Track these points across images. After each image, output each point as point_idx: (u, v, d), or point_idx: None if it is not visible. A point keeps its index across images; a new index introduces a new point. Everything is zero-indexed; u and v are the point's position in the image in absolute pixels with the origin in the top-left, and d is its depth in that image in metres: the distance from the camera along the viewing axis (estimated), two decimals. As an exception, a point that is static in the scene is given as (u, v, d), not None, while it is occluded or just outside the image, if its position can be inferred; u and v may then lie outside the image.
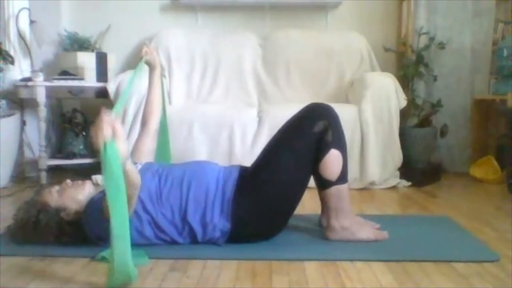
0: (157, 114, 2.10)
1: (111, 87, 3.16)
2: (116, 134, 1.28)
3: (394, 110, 3.09)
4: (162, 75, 2.19)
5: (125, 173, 1.33)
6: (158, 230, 1.71)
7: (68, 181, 1.87)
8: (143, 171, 1.75)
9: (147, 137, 2.05)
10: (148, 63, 2.09)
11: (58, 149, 3.62)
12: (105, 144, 1.25)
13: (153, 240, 1.72)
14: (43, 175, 3.20)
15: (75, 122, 3.49)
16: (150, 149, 2.04)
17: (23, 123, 3.36)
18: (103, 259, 1.60)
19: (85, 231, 1.71)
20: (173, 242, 1.74)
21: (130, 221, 1.38)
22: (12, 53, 3.30)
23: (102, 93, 3.32)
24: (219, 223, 1.72)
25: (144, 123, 2.11)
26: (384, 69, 3.60)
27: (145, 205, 1.69)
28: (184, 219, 1.72)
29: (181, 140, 2.97)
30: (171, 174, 1.78)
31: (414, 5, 3.62)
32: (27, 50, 3.42)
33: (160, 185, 1.74)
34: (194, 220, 1.72)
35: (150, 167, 1.82)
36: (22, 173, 3.37)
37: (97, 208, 1.61)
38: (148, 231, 1.71)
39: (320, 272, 1.52)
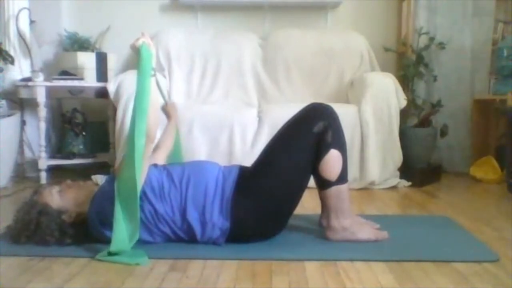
0: (164, 153, 2.17)
1: (111, 87, 3.16)
2: (149, 42, 1.76)
3: (394, 110, 3.08)
4: (177, 127, 2.35)
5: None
6: (159, 221, 1.72)
7: (69, 181, 1.87)
8: (150, 169, 1.76)
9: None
10: (166, 113, 2.29)
11: (58, 149, 3.62)
12: (142, 44, 1.72)
13: (153, 229, 1.72)
14: (43, 175, 3.20)
15: (75, 122, 3.49)
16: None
17: (23, 123, 3.36)
18: (105, 256, 1.61)
19: (90, 226, 1.72)
20: (174, 235, 1.75)
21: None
22: (12, 53, 3.29)
23: (102, 93, 3.32)
24: (218, 222, 1.73)
25: (151, 137, 1.89)
26: (384, 69, 3.60)
27: (148, 197, 1.70)
28: (183, 217, 1.72)
29: (181, 140, 2.97)
30: (171, 172, 1.78)
31: (414, 5, 3.61)
32: (27, 50, 3.42)
33: (163, 181, 1.74)
34: (193, 219, 1.72)
35: (155, 166, 1.83)
36: (22, 173, 3.37)
37: (106, 192, 1.66)
38: (150, 219, 1.71)
39: (320, 272, 1.52)
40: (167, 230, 1.74)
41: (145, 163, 1.68)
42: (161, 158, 2.11)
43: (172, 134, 2.26)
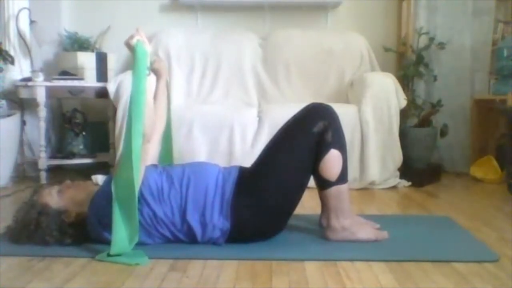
0: (160, 126, 2.06)
1: (111, 87, 3.16)
2: (144, 39, 1.72)
3: (394, 110, 3.08)
4: (168, 86, 2.17)
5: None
6: (158, 224, 1.72)
7: (68, 181, 1.87)
8: (149, 171, 1.75)
9: (151, 148, 1.94)
10: (155, 71, 2.05)
11: (58, 149, 3.63)
12: (136, 42, 1.69)
13: (152, 231, 1.72)
14: (43, 175, 3.20)
15: (75, 122, 3.49)
16: (154, 156, 2.03)
17: (23, 123, 3.36)
18: (104, 258, 1.61)
19: (89, 227, 1.72)
20: (173, 237, 1.75)
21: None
22: (12, 53, 3.29)
23: (102, 93, 3.32)
24: (219, 222, 1.72)
25: (147, 137, 1.82)
26: (384, 69, 3.60)
27: (147, 200, 1.70)
28: (183, 218, 1.72)
29: (181, 140, 2.97)
30: (171, 174, 1.78)
31: (414, 5, 3.62)
32: (27, 50, 3.42)
33: (162, 183, 1.74)
34: (193, 220, 1.72)
35: (155, 168, 1.82)
36: (22, 173, 3.37)
37: (105, 193, 1.65)
38: (149, 222, 1.71)
39: (320, 272, 1.52)
40: (166, 232, 1.74)
41: (141, 163, 1.67)
42: (154, 140, 1.98)
43: (164, 99, 2.10)
